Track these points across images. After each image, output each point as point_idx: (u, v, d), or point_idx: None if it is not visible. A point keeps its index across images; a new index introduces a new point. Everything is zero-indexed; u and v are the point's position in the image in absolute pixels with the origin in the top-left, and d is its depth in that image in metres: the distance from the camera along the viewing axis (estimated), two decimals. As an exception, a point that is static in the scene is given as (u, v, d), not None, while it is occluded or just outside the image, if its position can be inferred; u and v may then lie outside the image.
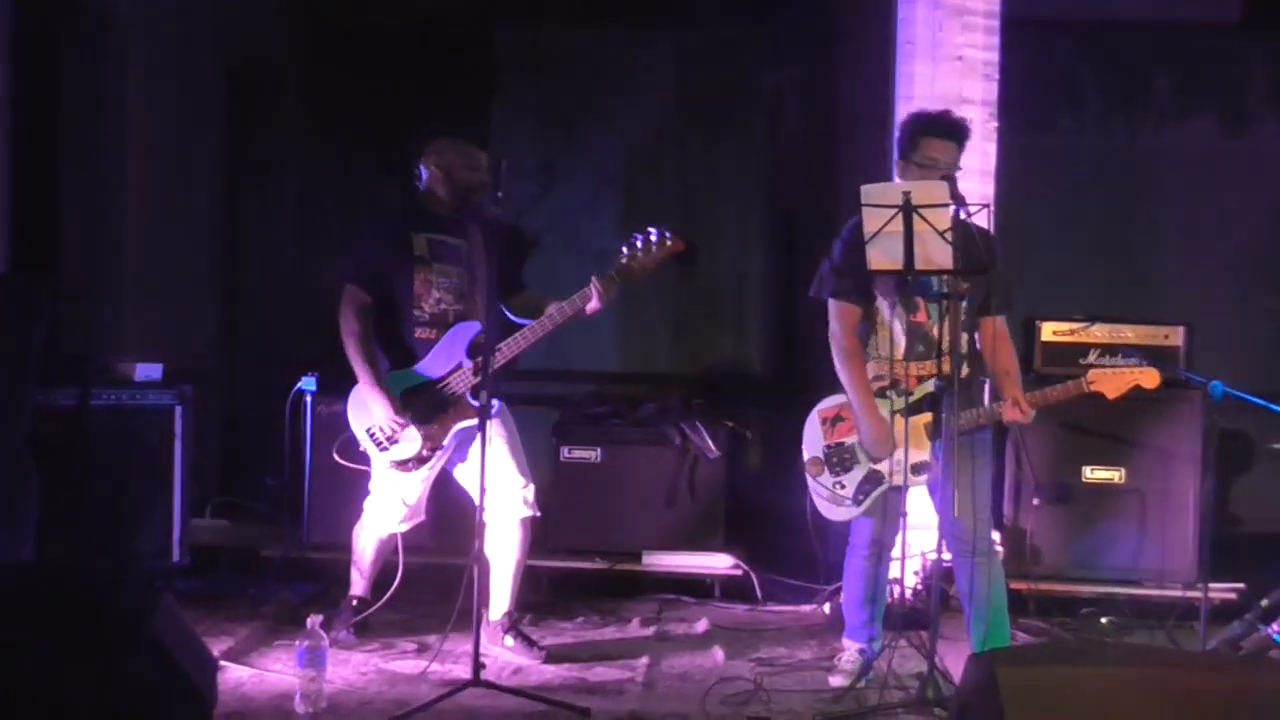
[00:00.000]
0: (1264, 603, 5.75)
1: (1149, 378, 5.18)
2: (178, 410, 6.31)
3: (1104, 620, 6.30)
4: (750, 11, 7.79)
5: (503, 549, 5.58)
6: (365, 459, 5.61)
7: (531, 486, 5.59)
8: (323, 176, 7.83)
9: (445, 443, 5.52)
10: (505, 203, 5.12)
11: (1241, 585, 6.18)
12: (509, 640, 5.58)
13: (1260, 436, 6.52)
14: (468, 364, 5.46)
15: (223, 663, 5.22)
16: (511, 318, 5.55)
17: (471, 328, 5.50)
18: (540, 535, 6.64)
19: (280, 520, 6.71)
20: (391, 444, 5.49)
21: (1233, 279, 7.32)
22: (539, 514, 5.67)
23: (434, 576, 5.99)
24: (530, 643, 5.64)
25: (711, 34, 8.01)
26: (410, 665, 5.46)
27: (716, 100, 8.10)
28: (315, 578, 6.30)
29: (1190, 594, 6.08)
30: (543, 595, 6.49)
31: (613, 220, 7.97)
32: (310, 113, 7.94)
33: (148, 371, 6.33)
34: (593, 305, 5.37)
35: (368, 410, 5.49)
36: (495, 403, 5.36)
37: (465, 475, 5.62)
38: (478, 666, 5.02)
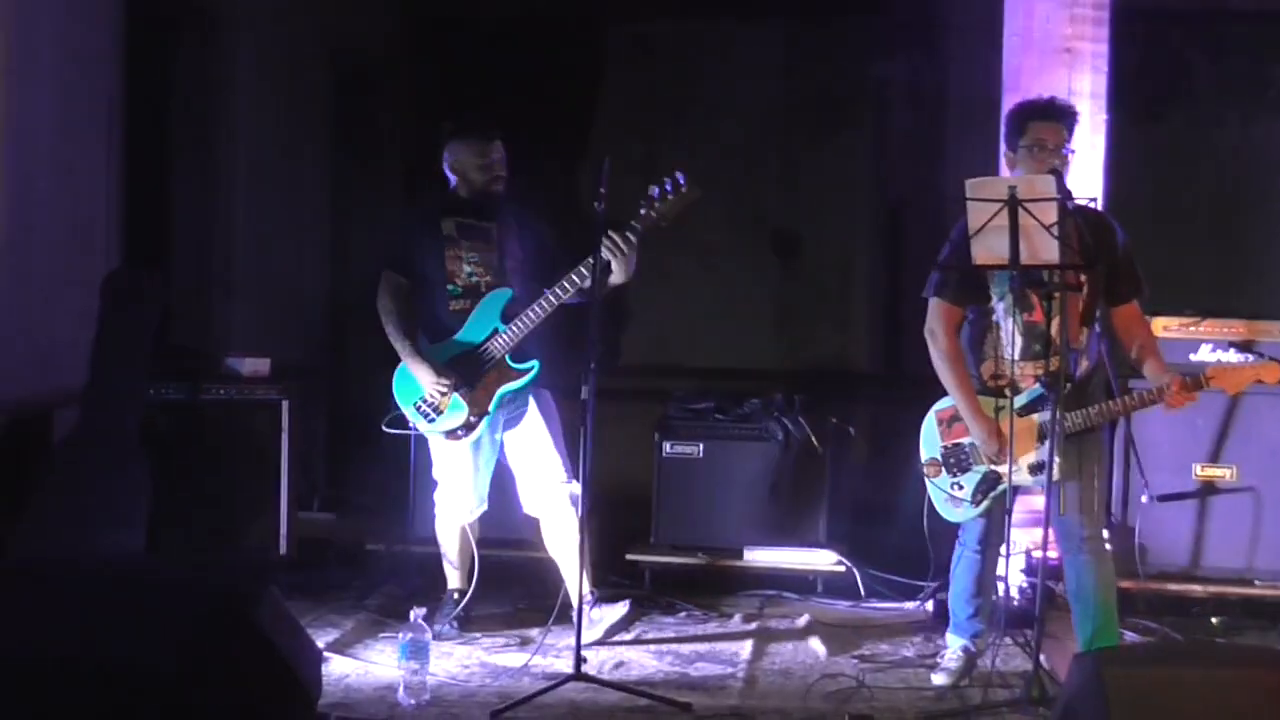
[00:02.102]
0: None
1: (1270, 372, 5.07)
2: (284, 405, 6.39)
3: (1214, 620, 6.20)
4: (857, 4, 7.74)
5: (558, 543, 5.66)
6: (416, 431, 5.75)
7: (575, 483, 5.55)
8: (430, 171, 7.88)
9: (490, 408, 5.62)
10: (608, 199, 5.14)
11: (1357, 586, 6.04)
12: (594, 614, 5.63)
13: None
14: (504, 328, 5.56)
15: (327, 654, 5.29)
16: (547, 290, 5.56)
17: (505, 294, 5.64)
18: (643, 530, 6.71)
19: (386, 512, 6.78)
20: (439, 414, 5.62)
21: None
22: (577, 507, 5.54)
23: (535, 569, 6.03)
24: (610, 601, 5.78)
25: (818, 26, 7.97)
26: (512, 658, 5.49)
27: (823, 93, 8.06)
28: (421, 572, 6.34)
29: (1304, 595, 5.98)
30: (645, 590, 6.50)
31: (719, 214, 7.94)
32: (418, 106, 8.00)
33: (256, 366, 6.44)
34: (614, 266, 5.36)
35: (412, 384, 5.64)
36: (533, 365, 5.59)
37: (515, 446, 5.71)
38: (579, 660, 5.05)
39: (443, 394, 5.60)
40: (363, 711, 4.86)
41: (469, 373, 5.61)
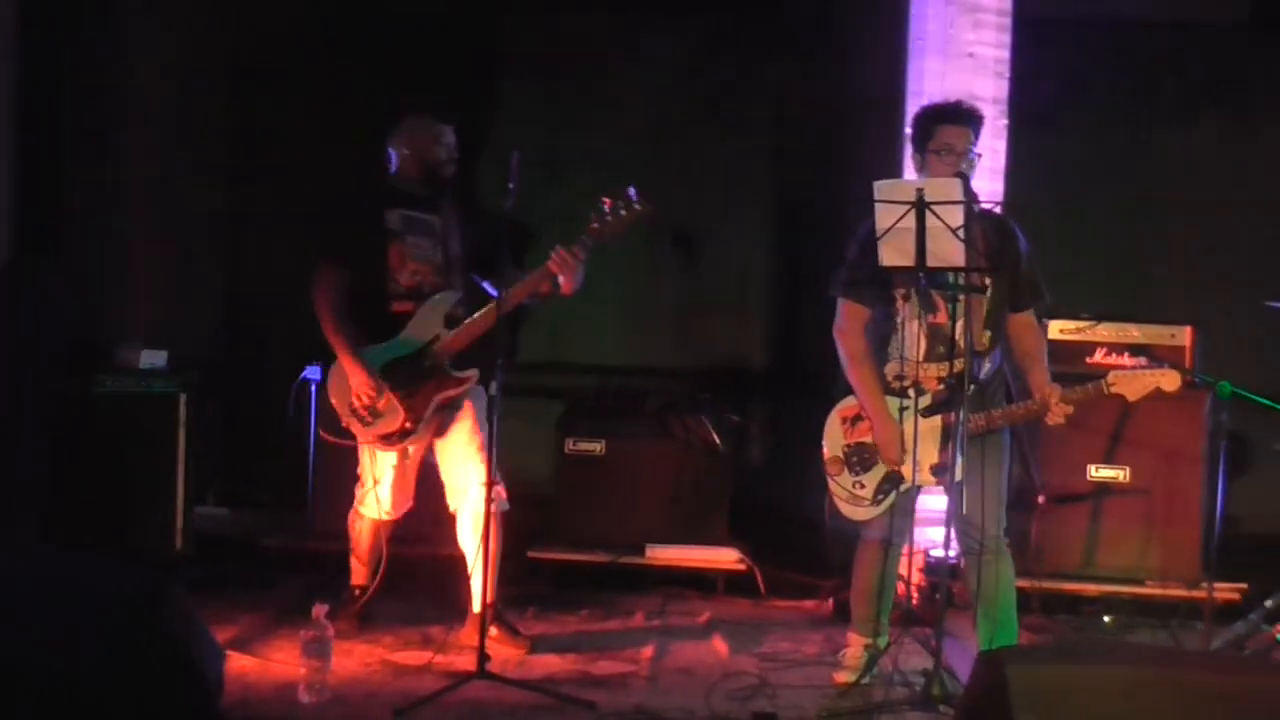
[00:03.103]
0: (1268, 603, 5.78)
1: (1170, 380, 5.14)
2: (182, 398, 6.31)
3: (1107, 619, 6.33)
4: (761, 5, 7.77)
5: (472, 542, 5.56)
6: (352, 437, 5.62)
7: (499, 485, 5.46)
8: (328, 165, 7.81)
9: (427, 415, 5.51)
10: (515, 194, 5.13)
11: (1245, 585, 6.18)
12: (492, 631, 5.60)
13: (1264, 438, 6.52)
14: (446, 334, 5.47)
15: (227, 651, 5.22)
16: (492, 292, 5.47)
17: (450, 297, 5.54)
18: (544, 527, 6.70)
19: (283, 508, 6.71)
20: (375, 418, 5.49)
21: (1239, 279, 7.32)
22: (508, 507, 5.59)
23: (437, 568, 6.00)
24: (514, 632, 5.66)
25: (722, 26, 7.99)
26: (415, 657, 5.46)
27: (725, 92, 8.08)
28: (320, 567, 6.28)
29: (1194, 594, 6.09)
30: (546, 588, 6.49)
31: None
32: (315, 102, 7.92)
33: (153, 359, 6.34)
34: (563, 278, 5.36)
35: (347, 384, 5.51)
36: (473, 372, 5.47)
37: (443, 452, 5.62)
38: (483, 659, 5.03)
39: (378, 399, 5.47)
40: (263, 710, 4.81)
41: (407, 378, 5.48)
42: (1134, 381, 5.14)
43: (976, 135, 5.20)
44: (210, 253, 8.02)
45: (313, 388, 6.55)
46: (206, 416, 6.52)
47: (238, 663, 5.23)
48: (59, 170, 6.98)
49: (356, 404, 5.49)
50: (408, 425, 5.49)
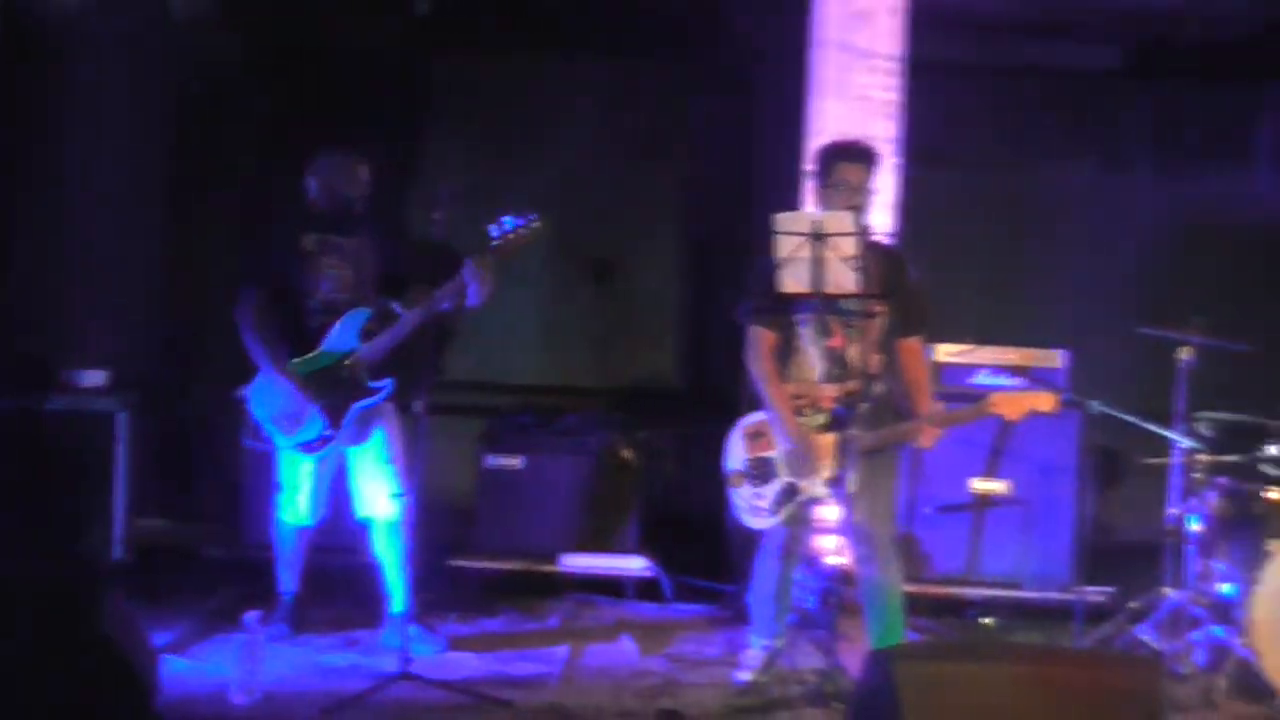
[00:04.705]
0: (1133, 605, 5.89)
1: (1046, 401, 5.20)
2: (121, 416, 6.25)
3: (987, 620, 6.40)
4: (675, 47, 7.81)
5: (387, 549, 5.61)
6: (272, 444, 5.63)
7: (408, 497, 5.52)
8: (268, 191, 7.76)
9: (345, 423, 5.55)
10: (443, 224, 5.19)
11: (1113, 589, 6.27)
12: (410, 631, 5.58)
13: (1132, 453, 6.61)
14: (361, 346, 5.51)
15: (163, 655, 5.17)
16: (401, 311, 5.57)
17: (362, 314, 5.58)
18: (464, 537, 6.68)
19: (219, 519, 6.65)
20: (296, 426, 5.52)
21: (1110, 307, 7.43)
22: (412, 518, 5.57)
23: (362, 574, 5.97)
24: (431, 630, 5.68)
25: (638, 66, 8.03)
26: (342, 659, 5.43)
27: (641, 129, 8.12)
28: (254, 576, 6.22)
29: (1066, 597, 6.19)
30: (467, 594, 6.47)
31: (539, 242, 7.94)
32: (258, 128, 7.86)
33: (93, 379, 6.28)
34: (472, 289, 5.39)
35: (271, 395, 5.54)
36: (387, 384, 5.51)
37: (360, 458, 5.64)
38: (406, 660, 5.02)
39: (300, 408, 5.51)
40: (198, 711, 4.77)
41: (326, 388, 5.52)
42: (1013, 402, 5.21)
43: (872, 172, 5.27)
44: (151, 274, 7.91)
45: (246, 406, 6.51)
46: (145, 433, 6.46)
47: (173, 666, 5.19)
48: (4, 191, 6.89)
49: (282, 414, 5.50)
50: (327, 433, 5.52)
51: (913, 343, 5.35)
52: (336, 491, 5.76)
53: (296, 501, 5.67)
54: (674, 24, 7.63)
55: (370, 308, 5.60)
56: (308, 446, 5.56)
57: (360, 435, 5.61)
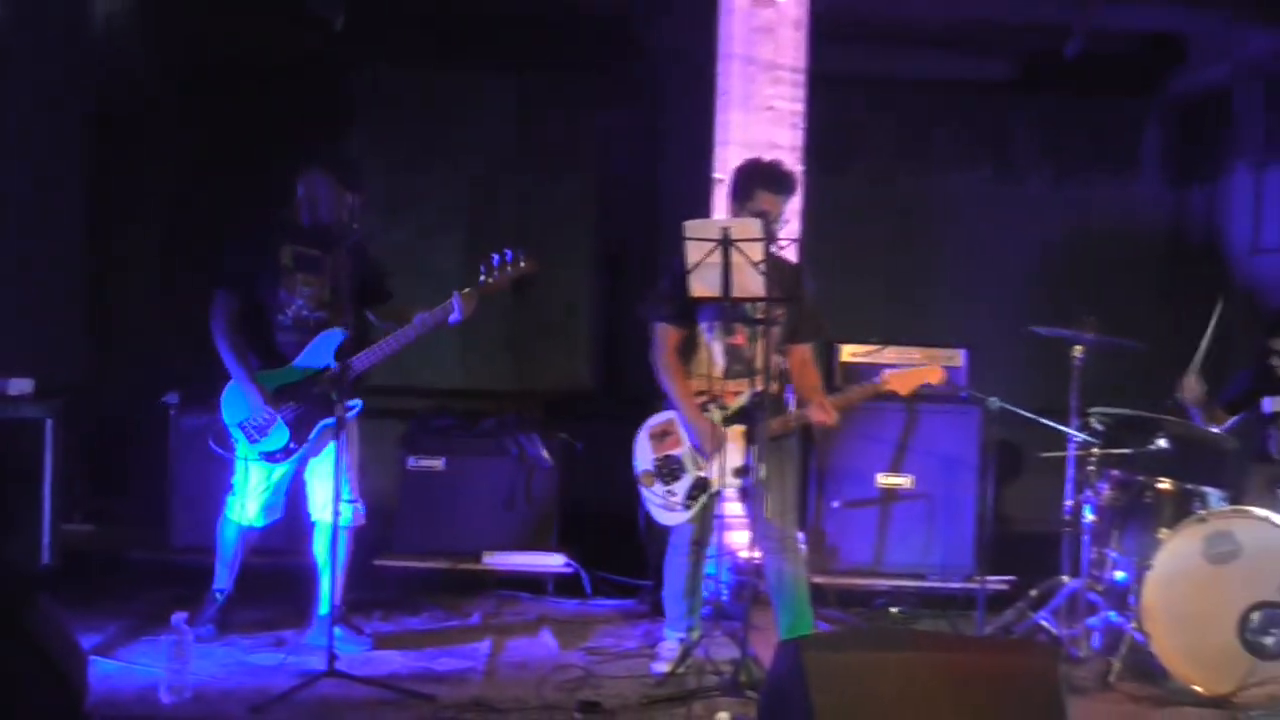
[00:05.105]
0: (1033, 592, 6.03)
1: (933, 374, 5.41)
2: (48, 423, 6.20)
3: (894, 610, 6.52)
4: (585, 61, 7.88)
5: (326, 550, 5.59)
6: (235, 451, 5.62)
7: (360, 503, 5.63)
8: (189, 197, 7.74)
9: (311, 437, 5.55)
10: (359, 231, 5.32)
11: (1013, 578, 6.39)
12: (337, 631, 5.60)
13: (1029, 447, 6.74)
14: (335, 366, 5.50)
15: (92, 657, 5.15)
16: (376, 323, 5.68)
17: (337, 335, 5.56)
18: (387, 537, 6.71)
19: (146, 524, 6.62)
20: (262, 436, 5.52)
21: (1006, 308, 7.59)
22: (362, 523, 5.69)
23: (291, 576, 5.98)
24: (357, 630, 5.70)
25: (550, 79, 8.09)
26: (269, 658, 5.45)
27: (554, 139, 8.19)
28: (181, 578, 6.21)
29: (969, 586, 6.31)
30: (390, 593, 6.49)
31: (454, 248, 8.01)
32: (178, 138, 7.83)
33: (20, 386, 6.22)
34: (454, 317, 5.47)
35: (242, 403, 5.52)
36: (358, 404, 5.52)
37: (313, 469, 5.65)
38: (332, 658, 5.04)
39: (269, 420, 5.50)
40: (127, 711, 4.77)
41: (295, 405, 5.51)
42: (904, 378, 5.37)
43: (789, 200, 5.38)
44: (75, 283, 7.85)
45: (172, 413, 6.52)
46: (72, 440, 6.41)
47: (102, 667, 5.17)
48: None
49: (250, 423, 5.51)
50: (292, 446, 5.53)
51: (804, 350, 5.48)
52: (290, 495, 5.74)
53: (246, 505, 5.64)
54: (584, 38, 7.72)
55: (346, 329, 5.58)
56: (270, 457, 5.55)
57: (318, 447, 5.60)
